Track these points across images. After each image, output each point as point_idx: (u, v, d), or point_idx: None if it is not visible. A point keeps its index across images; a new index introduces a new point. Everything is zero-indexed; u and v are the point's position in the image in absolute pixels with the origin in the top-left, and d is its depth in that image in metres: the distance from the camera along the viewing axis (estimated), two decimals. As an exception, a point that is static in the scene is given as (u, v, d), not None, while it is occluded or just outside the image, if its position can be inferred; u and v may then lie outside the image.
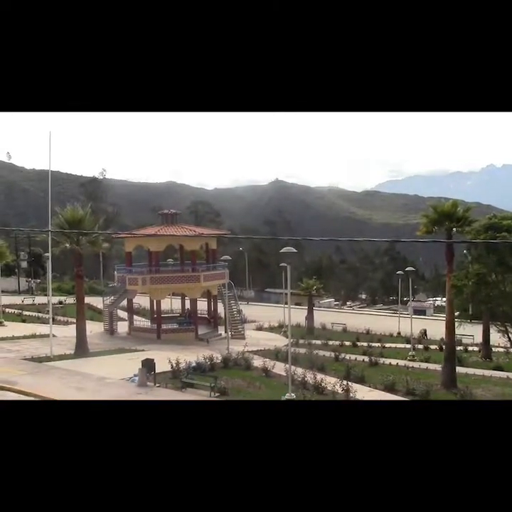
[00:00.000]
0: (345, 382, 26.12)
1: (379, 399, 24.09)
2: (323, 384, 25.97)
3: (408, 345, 42.07)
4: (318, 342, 43.88)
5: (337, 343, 43.56)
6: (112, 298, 48.88)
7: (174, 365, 27.58)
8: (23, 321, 50.93)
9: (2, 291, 55.21)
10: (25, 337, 40.01)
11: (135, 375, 25.91)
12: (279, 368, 29.87)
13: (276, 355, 34.38)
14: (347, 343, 43.87)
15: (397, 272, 57.82)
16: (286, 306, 36.75)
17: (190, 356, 30.47)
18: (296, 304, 61.55)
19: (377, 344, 44.25)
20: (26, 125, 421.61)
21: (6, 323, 47.75)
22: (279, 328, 50.79)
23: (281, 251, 27.46)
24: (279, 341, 42.78)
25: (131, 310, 50.17)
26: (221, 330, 47.97)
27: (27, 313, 56.41)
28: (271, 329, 52.06)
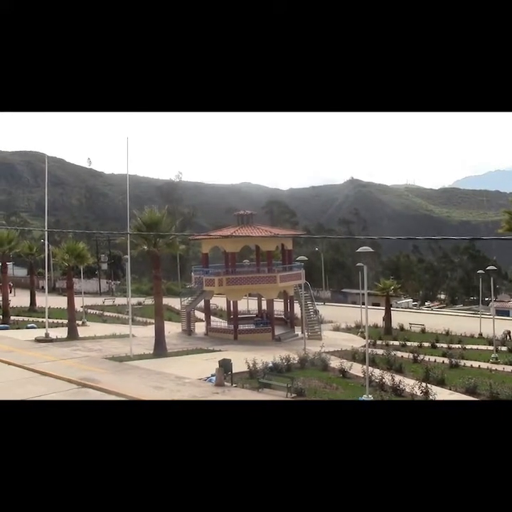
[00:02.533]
0: (424, 384, 25.55)
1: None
2: (401, 386, 25.48)
3: (490, 347, 40.69)
4: (396, 343, 43.17)
5: (415, 344, 42.68)
6: (190, 299, 49.63)
7: (251, 365, 27.67)
8: (104, 322, 52.51)
9: (84, 293, 57.02)
10: (106, 337, 41.17)
11: (212, 375, 26.13)
12: (356, 369, 29.53)
13: (354, 356, 34.01)
14: (426, 344, 42.92)
15: (478, 271, 56.18)
16: (363, 306, 36.32)
17: (266, 356, 30.52)
18: (374, 305, 60.84)
19: (457, 345, 43.10)
20: (105, 131, 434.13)
21: (88, 323, 49.30)
22: (356, 329, 50.26)
23: (358, 251, 27.13)
24: (356, 342, 42.33)
25: (208, 311, 50.75)
26: (298, 330, 47.92)
27: (107, 313, 58.10)
28: (348, 330, 51.58)
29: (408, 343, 42.75)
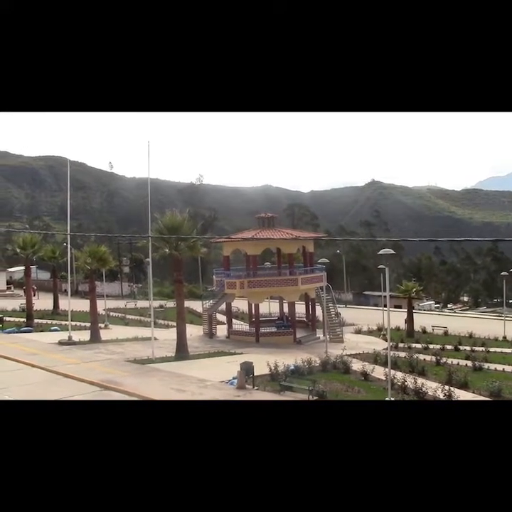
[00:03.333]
0: (447, 387, 25.35)
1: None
2: (423, 389, 25.30)
3: (515, 350, 40.30)
4: (419, 345, 42.87)
5: (438, 346, 42.35)
6: (211, 302, 49.75)
7: (272, 368, 27.67)
8: (126, 324, 52.89)
9: (106, 296, 57.45)
10: (128, 339, 41.44)
11: (234, 378, 26.16)
12: (379, 372, 29.40)
13: (376, 358, 33.85)
14: (448, 347, 42.53)
15: (502, 273, 55.56)
16: (385, 308, 36.14)
17: (288, 359, 30.50)
18: (396, 307, 60.43)
19: (481, 348, 42.61)
20: (126, 135, 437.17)
21: (110, 326, 49.67)
22: (378, 332, 50.00)
23: (379, 253, 27.04)
24: (378, 345, 42.14)
25: (229, 313, 50.84)
26: (319, 333, 47.78)
27: (130, 316, 58.44)
28: (369, 332, 51.33)
29: (431, 346, 42.42)
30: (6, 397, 22.83)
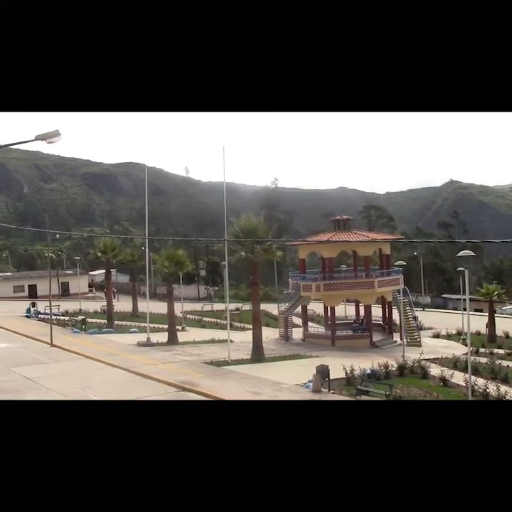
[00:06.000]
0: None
1: None
2: (507, 397, 24.43)
3: None
4: (501, 351, 41.38)
5: (523, 352, 40.81)
6: (287, 304, 49.75)
7: (348, 371, 27.41)
8: (203, 327, 53.67)
9: (183, 299, 58.39)
10: (204, 342, 42.02)
11: (309, 381, 26.06)
12: (458, 378, 28.59)
13: (455, 364, 32.97)
14: (534, 353, 40.92)
15: None
16: (464, 312, 35.18)
17: (364, 363, 30.14)
18: (476, 311, 58.74)
19: None
20: (201, 140, 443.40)
21: (187, 328, 50.47)
22: (458, 336, 48.65)
23: (459, 255, 26.39)
24: (457, 349, 41.01)
25: (305, 316, 50.70)
26: (396, 337, 47.02)
27: (206, 319, 59.26)
28: (448, 337, 50.02)
29: (514, 352, 40.93)
30: (90, 396, 23.60)
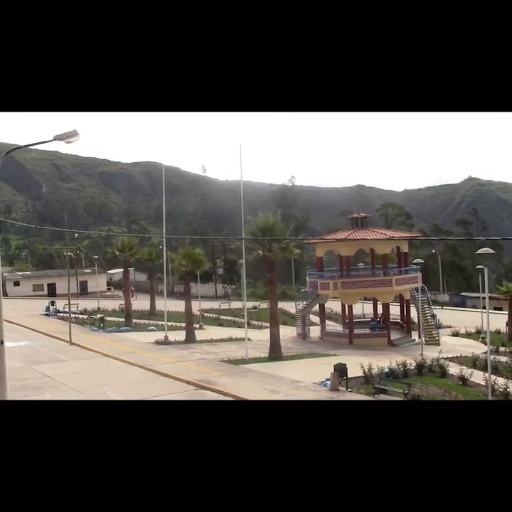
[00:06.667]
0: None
1: None
2: (528, 395, 24.20)
3: None
4: (521, 350, 41.08)
5: (543, 351, 40.40)
6: (304, 303, 49.71)
7: (366, 370, 27.30)
8: (220, 325, 53.76)
9: (201, 297, 58.55)
10: (222, 340, 42.07)
11: (327, 380, 26.01)
12: (477, 377, 28.36)
13: (474, 362, 32.70)
14: (555, 352, 40.50)
15: None
16: (484, 310, 34.91)
17: (382, 362, 29.99)
18: (495, 309, 58.25)
19: None
20: (218, 139, 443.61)
21: (205, 326, 50.61)
22: (477, 335, 48.30)
23: (478, 252, 26.19)
24: (476, 348, 40.69)
25: (322, 315, 50.58)
26: (414, 335, 46.81)
27: (224, 317, 59.34)
28: (467, 335, 49.71)
29: (535, 351, 40.54)
30: (108, 394, 23.75)
